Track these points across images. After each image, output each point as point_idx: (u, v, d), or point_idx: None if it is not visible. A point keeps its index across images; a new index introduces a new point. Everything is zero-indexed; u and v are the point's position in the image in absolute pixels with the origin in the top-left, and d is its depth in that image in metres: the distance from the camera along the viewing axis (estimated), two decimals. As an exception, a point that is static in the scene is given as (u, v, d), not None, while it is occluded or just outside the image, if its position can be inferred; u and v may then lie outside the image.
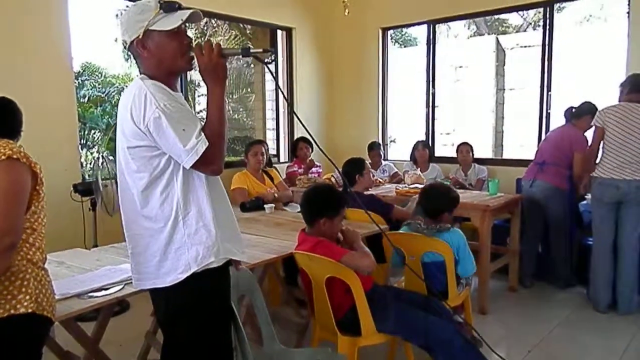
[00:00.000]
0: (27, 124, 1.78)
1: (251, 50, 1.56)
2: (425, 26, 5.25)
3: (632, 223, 3.33)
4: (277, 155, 5.60)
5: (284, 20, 5.31)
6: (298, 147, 4.97)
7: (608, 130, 3.31)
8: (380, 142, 5.43)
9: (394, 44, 10.50)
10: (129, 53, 1.56)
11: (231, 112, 10.30)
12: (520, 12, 9.38)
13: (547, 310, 3.49)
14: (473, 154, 4.80)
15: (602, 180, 3.36)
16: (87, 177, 4.10)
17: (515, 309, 3.55)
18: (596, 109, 3.56)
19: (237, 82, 10.18)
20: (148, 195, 1.50)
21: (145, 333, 2.46)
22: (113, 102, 9.77)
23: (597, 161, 3.43)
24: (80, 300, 1.79)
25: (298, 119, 2.52)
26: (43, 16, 3.49)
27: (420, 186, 3.98)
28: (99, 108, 10.17)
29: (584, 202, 3.92)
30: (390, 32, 5.69)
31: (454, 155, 4.89)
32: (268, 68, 1.67)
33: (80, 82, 10.07)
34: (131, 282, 1.73)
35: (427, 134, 5.38)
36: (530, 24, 11.24)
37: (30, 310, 1.40)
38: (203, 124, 1.49)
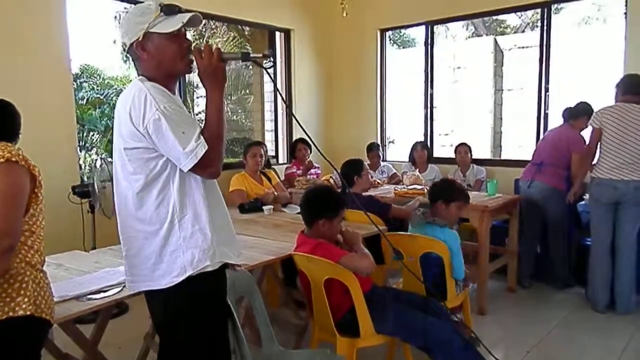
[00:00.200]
0: (25, 126, 1.78)
1: (251, 55, 1.56)
2: (423, 27, 5.26)
3: (630, 223, 3.34)
4: (276, 156, 5.61)
5: (283, 21, 5.31)
6: (297, 149, 4.97)
7: (605, 131, 3.32)
8: (379, 143, 5.43)
9: (392, 45, 10.50)
10: (128, 55, 1.56)
11: (230, 113, 10.30)
12: (518, 13, 9.39)
13: (545, 311, 3.50)
14: (471, 155, 4.81)
15: (600, 181, 3.37)
16: (85, 179, 4.09)
17: (514, 310, 3.55)
18: (592, 110, 3.58)
19: (235, 83, 10.18)
20: (143, 198, 1.49)
21: (144, 335, 2.46)
22: (111, 104, 9.76)
23: (595, 162, 3.44)
24: (78, 303, 1.79)
25: (297, 121, 2.52)
26: (41, 17, 3.49)
27: (419, 187, 4.00)
28: (97, 110, 10.16)
29: (582, 202, 3.93)
30: (388, 33, 5.69)
31: (453, 156, 4.89)
32: (267, 72, 1.67)
33: (79, 84, 10.06)
34: (130, 284, 1.73)
35: (425, 134, 5.39)
36: (528, 24, 11.27)
37: (28, 313, 1.40)
38: (202, 127, 1.49)
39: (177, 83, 1.66)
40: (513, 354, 2.86)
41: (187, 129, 1.43)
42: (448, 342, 2.19)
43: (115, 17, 10.99)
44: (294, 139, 5.27)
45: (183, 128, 1.43)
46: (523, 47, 8.29)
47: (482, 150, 7.86)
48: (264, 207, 3.61)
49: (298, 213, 2.90)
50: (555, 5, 4.62)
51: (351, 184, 3.47)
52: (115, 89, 10.40)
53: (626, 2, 4.06)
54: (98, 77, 10.88)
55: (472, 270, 3.01)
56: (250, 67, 9.29)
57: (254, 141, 4.87)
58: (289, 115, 5.45)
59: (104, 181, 3.35)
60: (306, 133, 1.78)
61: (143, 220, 1.50)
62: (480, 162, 4.88)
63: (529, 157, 4.11)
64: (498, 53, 8.61)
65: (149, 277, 1.53)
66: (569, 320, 3.34)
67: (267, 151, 4.47)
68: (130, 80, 9.01)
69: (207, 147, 1.43)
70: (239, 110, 10.61)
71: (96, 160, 3.46)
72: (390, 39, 6.16)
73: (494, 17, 10.72)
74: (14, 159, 1.41)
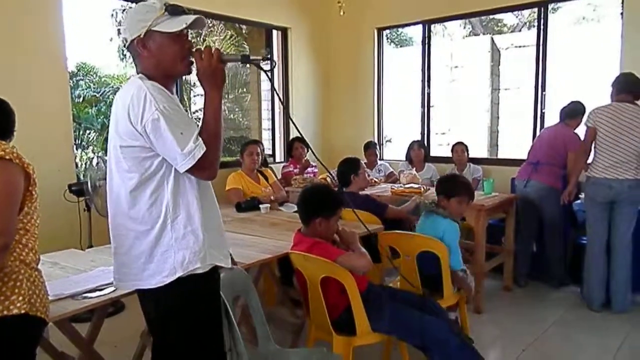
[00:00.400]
0: (21, 124, 1.77)
1: (250, 58, 1.55)
2: (420, 26, 5.26)
3: (625, 222, 3.35)
4: (273, 155, 5.60)
5: (280, 20, 5.30)
6: (294, 147, 4.96)
7: (599, 131, 3.34)
8: (376, 141, 5.44)
9: (390, 44, 10.52)
10: (126, 52, 1.55)
11: (227, 112, 10.29)
12: (515, 12, 9.43)
13: (541, 310, 3.51)
14: (468, 154, 4.82)
15: (595, 180, 3.38)
16: (81, 177, 4.08)
17: (510, 308, 3.56)
18: (585, 109, 3.59)
19: (232, 82, 10.16)
20: (137, 196, 1.48)
21: (139, 334, 2.45)
22: (108, 102, 9.73)
23: (590, 161, 3.46)
24: (74, 301, 1.79)
25: (294, 124, 2.53)
26: (37, 16, 3.47)
27: (416, 186, 4.00)
28: (93, 108, 10.13)
29: (578, 201, 3.94)
30: (385, 32, 5.70)
31: (449, 155, 4.90)
32: (267, 74, 1.66)
33: (75, 82, 10.02)
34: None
35: (422, 133, 5.40)
36: (525, 24, 11.29)
37: (23, 311, 1.39)
38: (199, 128, 1.48)
39: (175, 83, 1.65)
40: (509, 353, 2.87)
41: (185, 130, 1.42)
42: (445, 341, 2.19)
43: (112, 14, 10.96)
44: (291, 137, 5.26)
45: (181, 129, 1.42)
46: (520, 47, 8.30)
47: (478, 149, 7.85)
48: (260, 206, 3.62)
49: (295, 212, 2.90)
50: (552, 5, 4.64)
51: (348, 183, 3.47)
52: (112, 87, 10.37)
53: (622, 2, 4.08)
54: (94, 75, 10.86)
55: (468, 269, 3.00)
56: (248, 65, 9.26)
57: (251, 140, 4.86)
58: (286, 117, 5.44)
59: (100, 179, 3.34)
60: (302, 136, 1.78)
61: (135, 219, 1.49)
62: (477, 161, 4.88)
63: (525, 156, 4.12)
64: (495, 52, 8.62)
65: (138, 276, 1.52)
66: (565, 318, 3.35)
67: (264, 150, 4.47)
68: (127, 78, 8.99)
69: (205, 148, 1.42)
70: (236, 109, 10.59)
71: (92, 158, 3.44)
72: (387, 38, 6.17)
73: (491, 16, 10.73)
74: (7, 157, 1.40)
